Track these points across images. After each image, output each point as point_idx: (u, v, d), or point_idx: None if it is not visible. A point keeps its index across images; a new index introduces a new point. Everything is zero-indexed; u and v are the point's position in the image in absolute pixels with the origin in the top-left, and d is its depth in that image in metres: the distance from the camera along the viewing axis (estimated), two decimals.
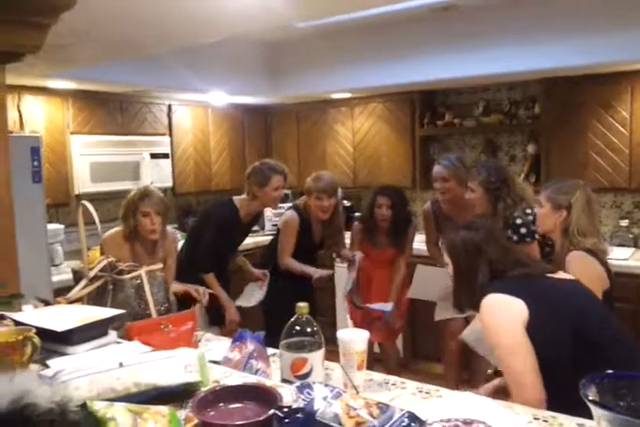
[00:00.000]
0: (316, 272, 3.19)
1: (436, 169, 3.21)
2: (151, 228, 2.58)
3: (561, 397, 1.44)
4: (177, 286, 2.83)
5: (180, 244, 3.26)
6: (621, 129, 3.76)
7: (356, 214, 4.16)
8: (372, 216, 3.31)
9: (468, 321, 3.22)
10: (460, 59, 3.86)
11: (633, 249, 3.87)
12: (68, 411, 0.97)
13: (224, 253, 3.22)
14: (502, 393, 1.69)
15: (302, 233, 3.27)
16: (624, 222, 4.03)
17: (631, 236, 3.99)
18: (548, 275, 1.74)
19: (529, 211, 2.77)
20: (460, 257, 1.75)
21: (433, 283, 3.18)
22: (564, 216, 2.24)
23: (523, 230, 2.74)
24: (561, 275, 1.78)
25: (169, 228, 2.85)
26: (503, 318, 1.60)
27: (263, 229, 4.97)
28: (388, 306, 3.29)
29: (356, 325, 3.35)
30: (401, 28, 4.03)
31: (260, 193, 3.10)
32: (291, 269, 3.24)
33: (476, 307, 1.68)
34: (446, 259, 1.82)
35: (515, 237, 2.76)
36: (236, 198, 3.20)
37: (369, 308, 3.32)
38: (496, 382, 1.86)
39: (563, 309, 1.63)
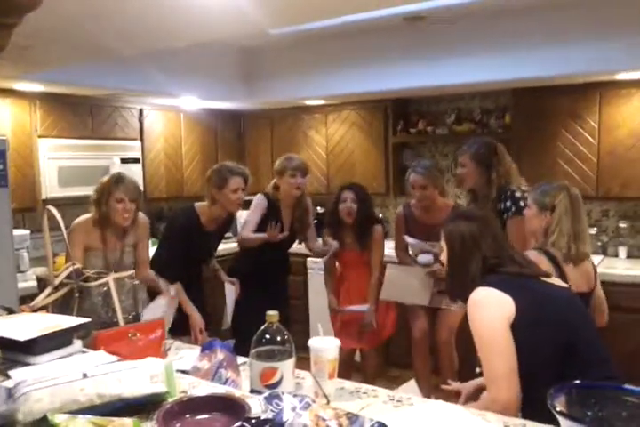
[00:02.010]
0: (267, 233, 3.12)
1: (414, 177, 3.20)
2: (124, 215, 2.61)
3: (534, 403, 1.44)
4: (150, 274, 2.83)
5: (152, 250, 3.21)
6: (590, 138, 3.84)
7: None
8: (337, 212, 3.29)
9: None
10: (432, 68, 3.90)
11: (601, 257, 3.94)
12: (16, 422, 0.94)
13: (191, 261, 3.09)
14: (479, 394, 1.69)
15: (271, 218, 3.22)
16: (592, 230, 4.10)
17: (599, 244, 4.06)
18: (543, 278, 1.73)
19: (524, 188, 2.86)
20: (456, 247, 1.75)
21: (404, 283, 3.17)
22: (547, 218, 2.31)
23: (521, 204, 2.77)
24: (554, 280, 1.77)
25: (140, 213, 2.83)
26: (489, 312, 1.59)
27: (236, 235, 4.92)
28: (364, 307, 3.27)
29: (336, 330, 3.34)
30: (375, 36, 4.05)
31: (218, 196, 2.99)
32: (247, 242, 3.24)
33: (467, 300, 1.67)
34: (443, 245, 1.82)
35: (513, 209, 2.81)
36: (197, 204, 3.10)
37: (345, 310, 3.30)
38: (479, 380, 1.86)
39: (553, 315, 1.61)
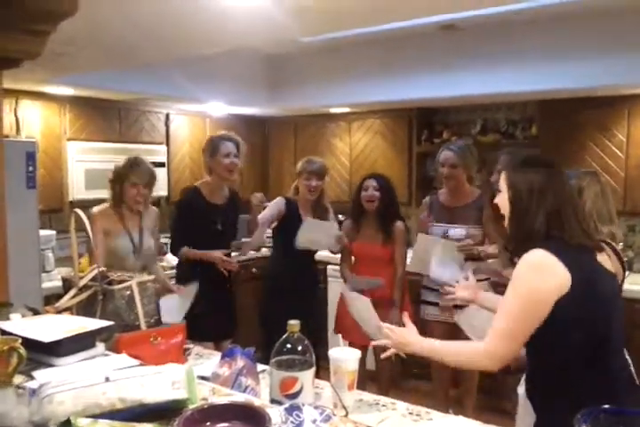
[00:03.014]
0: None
1: (446, 154, 3.10)
2: (136, 198, 2.77)
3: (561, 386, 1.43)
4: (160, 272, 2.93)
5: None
6: (617, 152, 3.78)
7: None
8: (360, 201, 3.24)
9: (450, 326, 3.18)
10: (459, 77, 3.89)
11: (627, 273, 3.85)
12: None
13: (205, 241, 3.03)
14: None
15: (290, 217, 3.26)
16: (618, 246, 4.01)
17: (625, 259, 3.97)
18: (597, 256, 1.60)
19: None
20: (523, 198, 1.59)
21: (432, 255, 3.00)
22: None
23: None
24: (605, 259, 1.64)
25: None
26: (542, 278, 1.46)
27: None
28: (377, 280, 3.16)
29: (341, 315, 3.28)
30: (402, 45, 4.05)
31: (212, 163, 3.07)
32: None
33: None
34: (504, 192, 1.64)
35: None
36: (197, 182, 3.22)
37: (358, 281, 3.20)
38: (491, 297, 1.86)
39: (600, 298, 1.52)
